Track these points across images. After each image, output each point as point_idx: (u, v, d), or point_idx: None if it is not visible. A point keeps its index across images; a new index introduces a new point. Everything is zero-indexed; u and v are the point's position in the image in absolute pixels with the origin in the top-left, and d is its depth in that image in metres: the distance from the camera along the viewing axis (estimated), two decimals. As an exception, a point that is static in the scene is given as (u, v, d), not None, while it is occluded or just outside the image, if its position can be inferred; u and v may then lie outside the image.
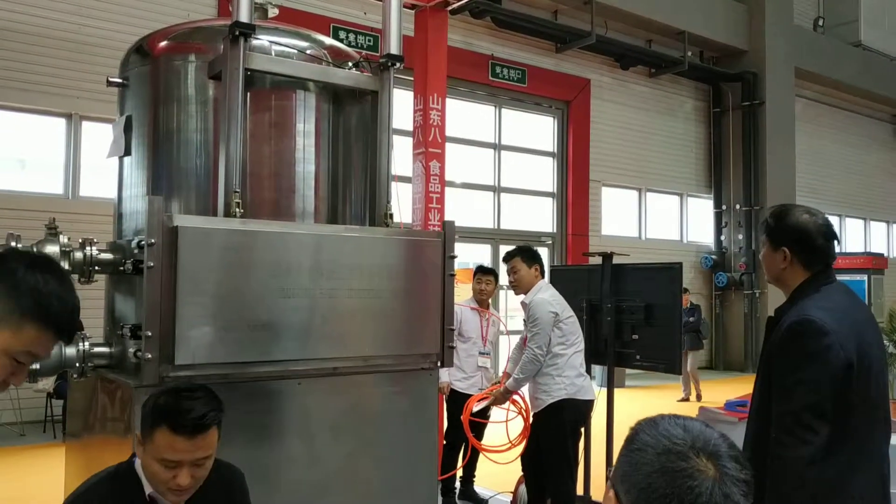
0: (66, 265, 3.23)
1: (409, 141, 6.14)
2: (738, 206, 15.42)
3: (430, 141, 5.83)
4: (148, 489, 1.95)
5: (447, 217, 5.62)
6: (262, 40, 3.47)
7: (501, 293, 11.07)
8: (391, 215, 3.76)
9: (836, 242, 2.45)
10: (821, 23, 18.09)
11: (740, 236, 15.35)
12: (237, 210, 3.21)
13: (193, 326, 2.96)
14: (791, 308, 2.37)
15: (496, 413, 5.27)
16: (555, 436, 4.31)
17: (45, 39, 8.53)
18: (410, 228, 5.53)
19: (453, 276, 3.77)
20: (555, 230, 13.55)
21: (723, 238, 15.75)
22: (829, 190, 17.92)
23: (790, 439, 2.21)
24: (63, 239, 3.27)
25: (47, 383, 7.36)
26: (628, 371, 10.95)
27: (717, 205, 15.87)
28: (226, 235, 3.09)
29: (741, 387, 8.10)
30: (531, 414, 4.51)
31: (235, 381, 3.13)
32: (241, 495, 2.24)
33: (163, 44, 3.59)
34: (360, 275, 3.39)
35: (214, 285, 3.02)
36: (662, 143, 15.12)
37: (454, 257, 3.75)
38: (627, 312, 5.03)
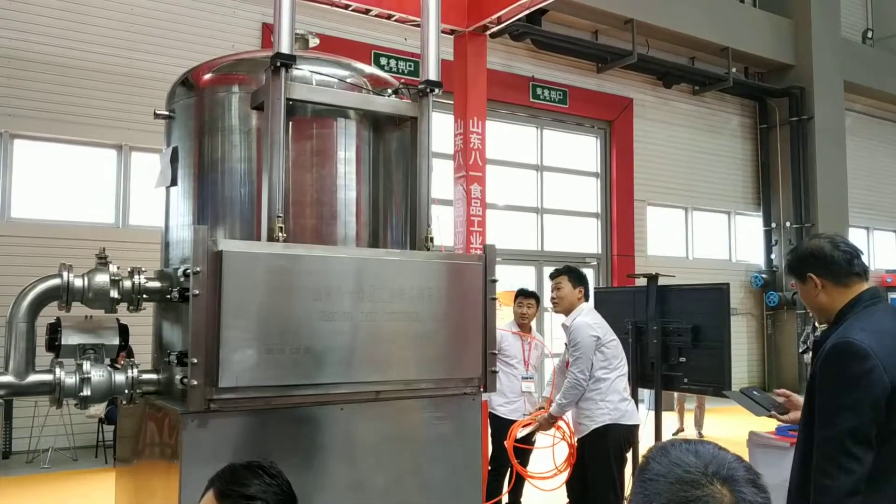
0: (115, 293, 3.30)
1: (450, 164, 6.16)
2: (788, 224, 15.08)
3: (470, 164, 5.84)
4: None
5: (489, 240, 5.60)
6: (303, 70, 3.53)
7: (546, 315, 10.98)
8: (432, 239, 3.77)
9: (859, 255, 2.42)
10: (870, 35, 17.71)
11: (787, 261, 14.98)
12: (280, 234, 3.25)
13: (237, 350, 2.99)
14: (835, 330, 2.30)
15: (541, 439, 5.21)
16: (600, 462, 4.23)
17: (97, 74, 8.81)
18: (452, 252, 5.53)
19: (495, 299, 3.76)
20: (600, 251, 13.42)
21: (773, 256, 15.40)
22: (884, 205, 17.40)
23: (832, 467, 2.13)
24: (113, 268, 3.34)
25: (98, 409, 7.52)
26: (677, 394, 10.72)
27: (767, 222, 15.54)
28: (269, 259, 3.12)
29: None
30: (576, 439, 4.45)
31: (278, 407, 3.15)
32: None
33: (207, 76, 3.67)
34: (402, 298, 3.39)
35: (258, 309, 3.06)
36: (708, 160, 14.90)
37: (495, 281, 3.74)
38: (674, 334, 4.95)
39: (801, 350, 11.73)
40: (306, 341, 3.14)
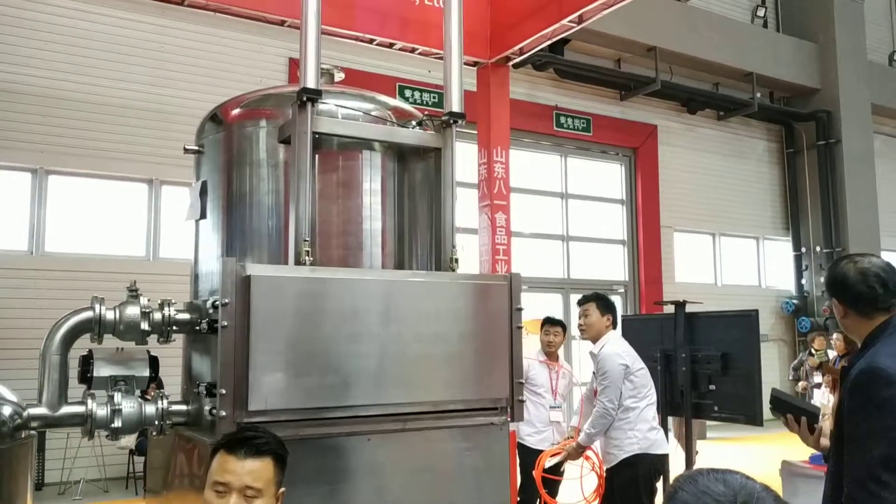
0: (145, 325, 3.35)
1: (475, 193, 6.20)
2: (818, 248, 14.88)
3: (495, 193, 5.87)
4: None
5: (515, 268, 5.61)
6: (328, 104, 3.59)
7: (574, 343, 10.91)
8: (457, 260, 3.78)
9: (888, 285, 2.35)
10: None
11: (822, 279, 14.77)
12: (307, 258, 3.29)
13: (266, 372, 3.02)
14: (862, 356, 2.27)
15: (570, 469, 5.15)
16: (629, 492, 4.18)
17: (129, 110, 9.03)
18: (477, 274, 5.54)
19: (521, 328, 3.75)
20: (627, 278, 13.34)
21: (804, 281, 15.18)
22: (917, 228, 17.13)
23: (863, 495, 2.08)
24: (143, 300, 3.40)
25: (129, 440, 7.58)
26: (709, 422, 10.55)
27: (797, 247, 15.35)
28: (296, 283, 3.15)
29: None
30: (605, 469, 4.39)
31: (306, 438, 3.16)
32: None
33: (235, 111, 3.75)
34: (428, 319, 3.40)
35: (286, 332, 3.08)
36: (735, 185, 14.80)
37: (521, 309, 3.73)
38: (703, 362, 4.89)
39: (790, 377, 11.47)
40: (334, 363, 3.15)
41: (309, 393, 3.11)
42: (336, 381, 3.16)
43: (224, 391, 3.00)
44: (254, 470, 1.91)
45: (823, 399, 9.73)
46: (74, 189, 8.92)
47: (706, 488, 1.15)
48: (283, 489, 2.10)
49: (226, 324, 3.02)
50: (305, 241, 3.31)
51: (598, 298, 4.57)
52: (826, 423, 2.49)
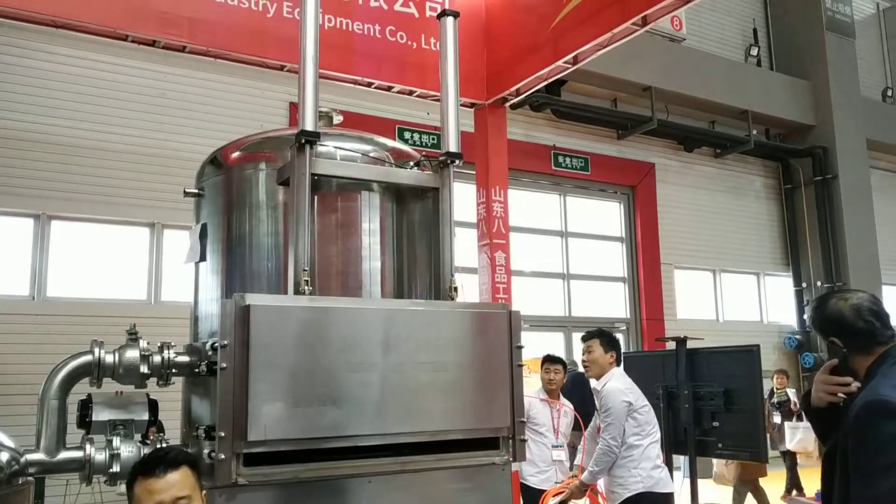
0: (145, 369, 3.34)
1: (474, 233, 6.23)
2: (819, 283, 14.87)
3: (494, 232, 5.91)
4: None
5: (515, 306, 5.60)
6: (327, 146, 3.63)
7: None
8: (456, 289, 3.78)
9: (884, 319, 2.38)
10: (889, 93, 17.77)
11: (809, 320, 14.74)
12: (306, 288, 3.29)
13: (265, 402, 2.99)
14: (862, 391, 2.27)
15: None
16: (635, 531, 4.12)
17: (130, 155, 9.11)
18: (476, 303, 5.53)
19: (521, 366, 3.74)
20: (628, 315, 13.31)
21: (806, 317, 15.14)
22: (917, 261, 17.15)
23: None
24: (143, 343, 3.39)
25: (129, 486, 7.49)
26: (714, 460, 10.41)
27: (797, 282, 15.35)
28: (296, 312, 3.15)
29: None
30: (610, 508, 4.35)
31: (306, 480, 3.13)
32: None
33: (234, 154, 3.79)
34: (428, 348, 3.39)
35: (285, 361, 3.07)
36: (734, 222, 14.86)
37: (521, 347, 3.73)
38: (706, 398, 4.87)
39: (766, 409, 11.16)
40: (334, 393, 3.14)
41: (309, 422, 3.09)
42: (336, 411, 3.14)
43: (223, 434, 2.97)
44: (178, 481, 2.06)
45: (798, 438, 9.60)
46: (76, 234, 8.96)
47: None
48: (205, 491, 2.14)
49: (224, 365, 3.02)
50: (305, 270, 3.32)
51: (601, 335, 4.56)
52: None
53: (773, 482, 9.92)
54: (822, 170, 15.02)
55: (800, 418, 10.15)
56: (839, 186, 14.88)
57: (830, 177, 14.95)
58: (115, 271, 9.08)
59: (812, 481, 9.59)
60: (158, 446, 3.24)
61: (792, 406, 10.26)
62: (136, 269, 9.18)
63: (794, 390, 10.73)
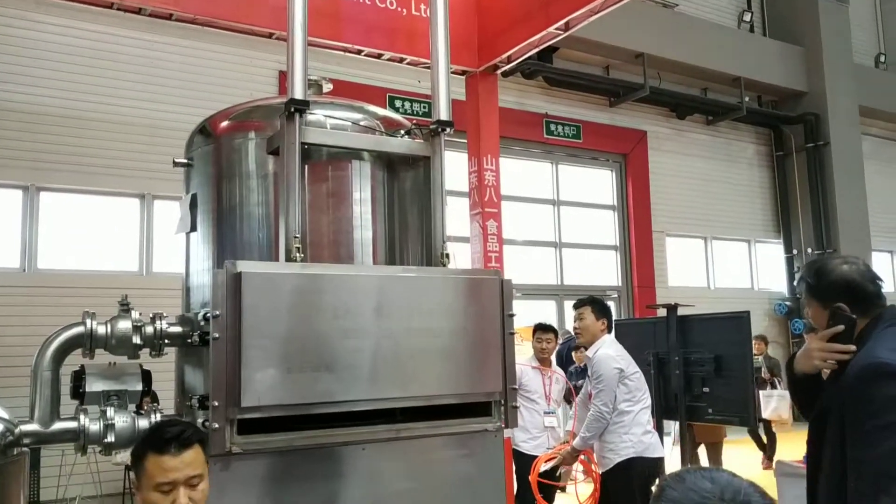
0: (137, 340, 3.35)
1: (466, 202, 6.22)
2: (809, 250, 14.95)
3: (486, 201, 5.90)
4: None
5: (507, 275, 5.62)
6: (317, 115, 3.61)
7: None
8: (447, 255, 3.79)
9: (877, 282, 2.41)
10: (882, 59, 17.71)
11: (803, 288, 14.77)
12: (298, 255, 3.29)
13: (259, 369, 3.01)
14: (855, 355, 2.28)
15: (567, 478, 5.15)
16: (624, 495, 4.18)
17: (119, 126, 9.03)
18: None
19: (513, 334, 3.76)
20: (620, 283, 13.37)
21: (796, 283, 15.24)
22: (907, 229, 17.25)
23: (872, 491, 2.07)
24: (135, 314, 3.40)
25: (125, 456, 7.54)
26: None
27: (788, 249, 15.43)
28: (287, 279, 3.16)
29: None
30: (600, 473, 4.40)
31: (300, 448, 3.16)
32: None
33: (224, 124, 3.76)
34: (420, 314, 3.40)
35: (278, 328, 3.08)
36: (725, 189, 14.88)
37: (513, 315, 3.75)
38: (696, 365, 4.91)
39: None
40: (327, 359, 3.15)
41: (302, 389, 3.11)
42: (329, 377, 3.16)
43: (216, 403, 2.99)
44: (192, 460, 2.05)
45: (773, 406, 9.63)
46: (66, 205, 8.90)
47: (693, 485, 1.17)
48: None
49: (217, 335, 3.02)
50: (296, 237, 3.32)
51: (593, 302, 4.58)
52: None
53: (736, 447, 10.05)
54: (813, 137, 15.02)
55: (773, 386, 10.18)
56: (831, 153, 14.89)
57: (822, 144, 14.94)
58: (106, 243, 9.04)
59: (789, 447, 9.70)
60: (161, 418, 3.27)
61: (763, 375, 10.27)
62: (127, 241, 9.15)
63: (761, 356, 10.71)
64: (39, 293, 8.28)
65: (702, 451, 8.35)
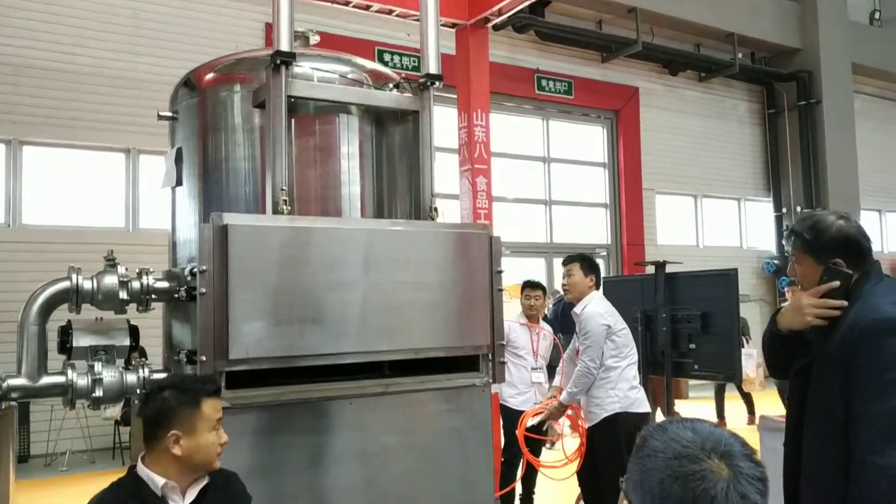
0: (124, 295, 3.33)
1: (455, 159, 6.17)
2: (799, 209, 14.98)
3: (475, 157, 5.85)
4: (159, 486, 2.07)
5: (496, 233, 5.61)
6: (303, 67, 3.54)
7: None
8: (436, 209, 3.78)
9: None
10: (877, 16, 17.56)
11: (797, 242, 14.85)
12: (284, 207, 3.27)
13: (246, 321, 3.01)
14: (850, 310, 2.27)
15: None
16: (610, 450, 4.23)
17: (103, 79, 8.87)
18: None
19: (501, 290, 3.76)
20: (609, 241, 13.40)
21: (786, 237, 15.28)
22: (896, 187, 17.30)
23: (885, 445, 2.07)
24: (121, 269, 3.38)
25: (115, 411, 7.59)
26: (692, 382, 10.65)
27: (777, 208, 15.46)
28: (274, 232, 3.14)
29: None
30: (586, 428, 4.45)
31: (287, 403, 3.18)
32: (238, 485, 2.40)
33: (209, 76, 3.69)
34: (408, 267, 3.40)
35: (265, 281, 3.08)
36: (716, 147, 14.84)
37: (501, 272, 3.75)
38: (683, 321, 4.95)
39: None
40: (314, 312, 3.16)
41: (290, 341, 3.12)
42: (317, 329, 3.16)
43: (204, 358, 2.99)
44: (220, 405, 2.30)
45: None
46: (51, 160, 8.79)
47: (675, 435, 1.17)
48: None
49: (204, 290, 3.01)
50: (283, 189, 3.29)
51: (582, 259, 4.59)
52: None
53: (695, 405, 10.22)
54: (806, 94, 14.95)
55: (740, 345, 10.18)
56: (823, 111, 14.84)
57: (814, 102, 14.88)
58: (92, 199, 8.96)
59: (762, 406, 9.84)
60: (149, 373, 3.29)
61: None
62: (113, 197, 9.06)
63: None
64: (24, 248, 8.23)
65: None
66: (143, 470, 2.07)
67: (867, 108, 16.77)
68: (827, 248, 2.39)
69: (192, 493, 2.14)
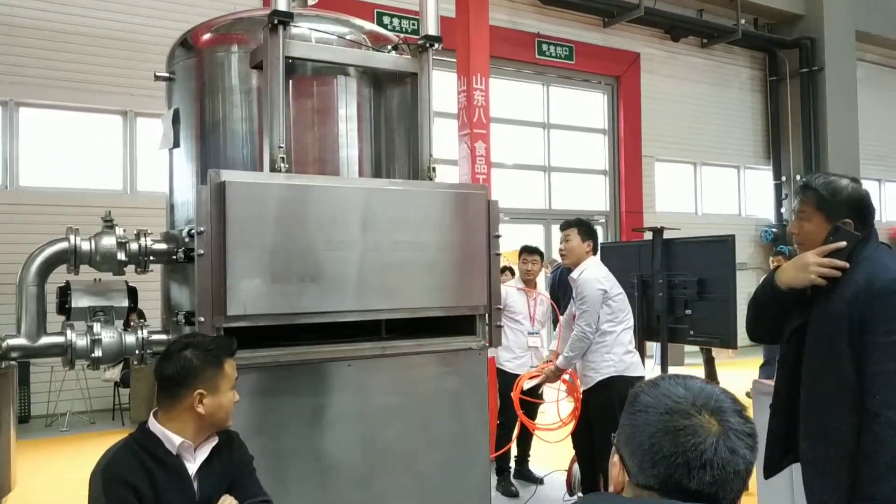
0: (122, 256, 3.34)
1: (454, 125, 6.14)
2: (798, 177, 14.96)
3: (474, 122, 5.82)
4: (176, 445, 2.09)
5: (494, 198, 5.60)
6: (301, 28, 3.51)
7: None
8: (434, 169, 3.77)
9: None
10: (882, -18, 17.34)
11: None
12: (282, 165, 3.27)
13: (244, 278, 3.03)
14: (853, 271, 2.31)
15: (549, 395, 5.25)
16: (605, 413, 4.27)
17: (98, 39, 8.77)
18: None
19: (499, 255, 3.77)
20: (608, 208, 13.39)
21: (783, 210, 15.32)
22: (896, 156, 17.24)
23: None
24: (119, 231, 3.38)
25: (114, 373, 7.64)
26: (688, 348, 10.75)
27: (777, 176, 15.43)
28: (272, 189, 3.14)
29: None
30: (581, 391, 4.49)
31: (285, 364, 3.20)
32: (240, 444, 2.42)
33: (206, 36, 3.66)
34: (406, 227, 3.42)
35: (262, 239, 3.09)
36: (717, 114, 14.75)
37: (499, 236, 3.75)
38: (680, 287, 4.96)
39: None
40: (312, 270, 3.17)
41: (287, 299, 3.13)
42: (314, 288, 3.18)
43: (202, 319, 3.01)
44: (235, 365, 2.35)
45: None
46: (47, 122, 8.73)
47: (667, 391, 1.19)
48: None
49: (202, 252, 3.02)
50: (280, 147, 3.28)
51: (579, 224, 4.59)
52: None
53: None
54: (808, 61, 14.83)
55: None
56: (825, 79, 14.73)
57: (817, 69, 14.77)
58: (89, 161, 8.92)
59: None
60: (148, 334, 3.31)
61: None
62: (110, 159, 9.02)
63: None
64: (22, 210, 8.21)
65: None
66: (157, 427, 2.08)
67: (869, 76, 16.66)
68: (840, 206, 2.41)
69: (204, 453, 2.16)
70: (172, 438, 2.07)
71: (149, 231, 3.46)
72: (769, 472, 2.53)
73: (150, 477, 1.99)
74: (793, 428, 2.47)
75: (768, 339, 2.68)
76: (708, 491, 1.12)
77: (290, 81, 3.45)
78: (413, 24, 10.60)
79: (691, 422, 1.14)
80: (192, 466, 2.11)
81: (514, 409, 4.83)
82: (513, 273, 5.75)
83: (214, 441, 2.20)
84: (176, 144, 3.71)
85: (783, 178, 15.32)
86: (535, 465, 5.63)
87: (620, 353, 4.29)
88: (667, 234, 5.17)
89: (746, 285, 11.40)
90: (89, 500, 1.96)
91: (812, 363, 2.38)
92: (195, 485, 2.13)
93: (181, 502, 2.06)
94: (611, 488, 1.25)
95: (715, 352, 10.04)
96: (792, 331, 2.45)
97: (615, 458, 1.24)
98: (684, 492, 1.12)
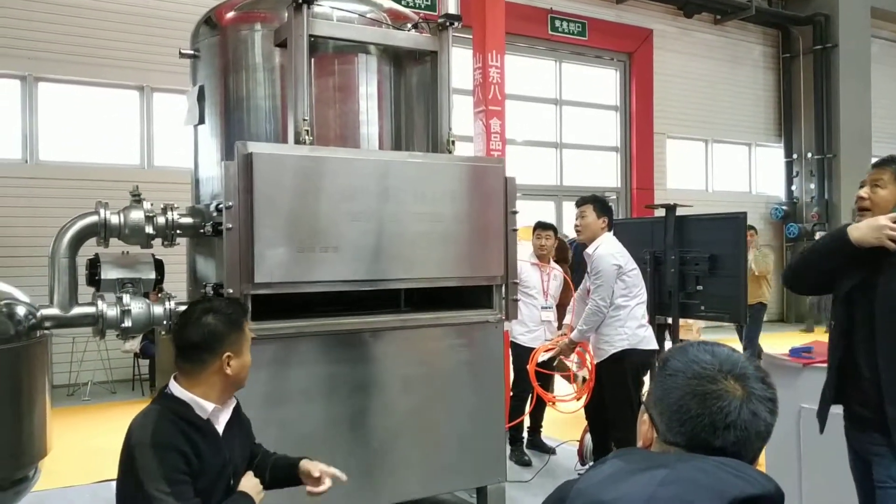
0: (150, 229, 3.44)
1: (470, 101, 6.19)
2: (809, 155, 14.92)
3: (490, 99, 5.87)
4: (209, 411, 2.14)
5: (509, 175, 5.67)
6: (324, 6, 3.58)
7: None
8: (453, 142, 3.85)
9: None
10: (899, -43, 17.13)
11: (812, 185, 14.85)
12: (307, 137, 3.36)
13: (270, 248, 3.15)
14: None
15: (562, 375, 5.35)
16: (618, 385, 4.37)
17: (116, 15, 8.82)
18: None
19: (515, 230, 3.86)
20: (619, 185, 13.41)
21: (794, 188, 15.28)
22: (910, 135, 17.12)
23: None
24: (146, 205, 3.48)
25: (133, 344, 7.79)
26: (703, 324, 10.77)
27: (788, 154, 15.38)
28: (297, 161, 3.25)
29: (810, 338, 7.95)
30: (595, 364, 4.59)
31: (308, 334, 3.31)
32: (240, 409, 2.43)
33: (230, 15, 3.73)
34: (425, 199, 3.51)
35: (288, 209, 3.20)
36: (729, 91, 14.68)
37: (516, 213, 3.84)
38: (691, 263, 5.04)
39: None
40: (334, 240, 3.28)
41: (311, 267, 3.25)
42: (336, 258, 3.29)
43: (231, 290, 3.12)
44: None
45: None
46: (66, 97, 8.81)
47: (695, 357, 1.28)
48: None
49: (230, 226, 3.12)
50: (305, 120, 3.37)
51: (595, 200, 4.65)
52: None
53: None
54: (822, 38, 14.71)
55: None
56: (838, 56, 14.61)
57: (830, 46, 14.65)
58: (108, 135, 9.00)
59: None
60: (174, 305, 3.41)
61: None
62: (128, 134, 9.10)
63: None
64: (42, 185, 8.32)
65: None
66: (184, 393, 2.13)
67: (883, 53, 16.50)
68: None
69: (226, 416, 2.23)
70: (203, 404, 2.13)
71: (175, 205, 3.56)
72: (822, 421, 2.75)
73: (191, 442, 2.06)
74: (841, 389, 2.66)
75: (810, 288, 2.86)
76: (732, 449, 1.21)
77: (313, 59, 3.52)
78: (428, 1, 10.59)
79: (717, 386, 1.23)
80: (220, 429, 2.19)
81: (527, 380, 4.93)
82: (555, 233, 5.80)
83: (233, 403, 2.27)
84: (201, 121, 3.80)
85: (794, 156, 15.27)
86: (547, 436, 5.75)
87: (634, 327, 4.38)
88: (679, 212, 5.23)
89: (756, 263, 11.42)
90: (138, 472, 1.99)
91: (885, 323, 2.51)
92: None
93: (216, 465, 2.15)
94: (639, 443, 1.34)
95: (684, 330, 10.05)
96: (843, 297, 2.61)
97: (644, 417, 1.33)
98: (709, 449, 1.22)
